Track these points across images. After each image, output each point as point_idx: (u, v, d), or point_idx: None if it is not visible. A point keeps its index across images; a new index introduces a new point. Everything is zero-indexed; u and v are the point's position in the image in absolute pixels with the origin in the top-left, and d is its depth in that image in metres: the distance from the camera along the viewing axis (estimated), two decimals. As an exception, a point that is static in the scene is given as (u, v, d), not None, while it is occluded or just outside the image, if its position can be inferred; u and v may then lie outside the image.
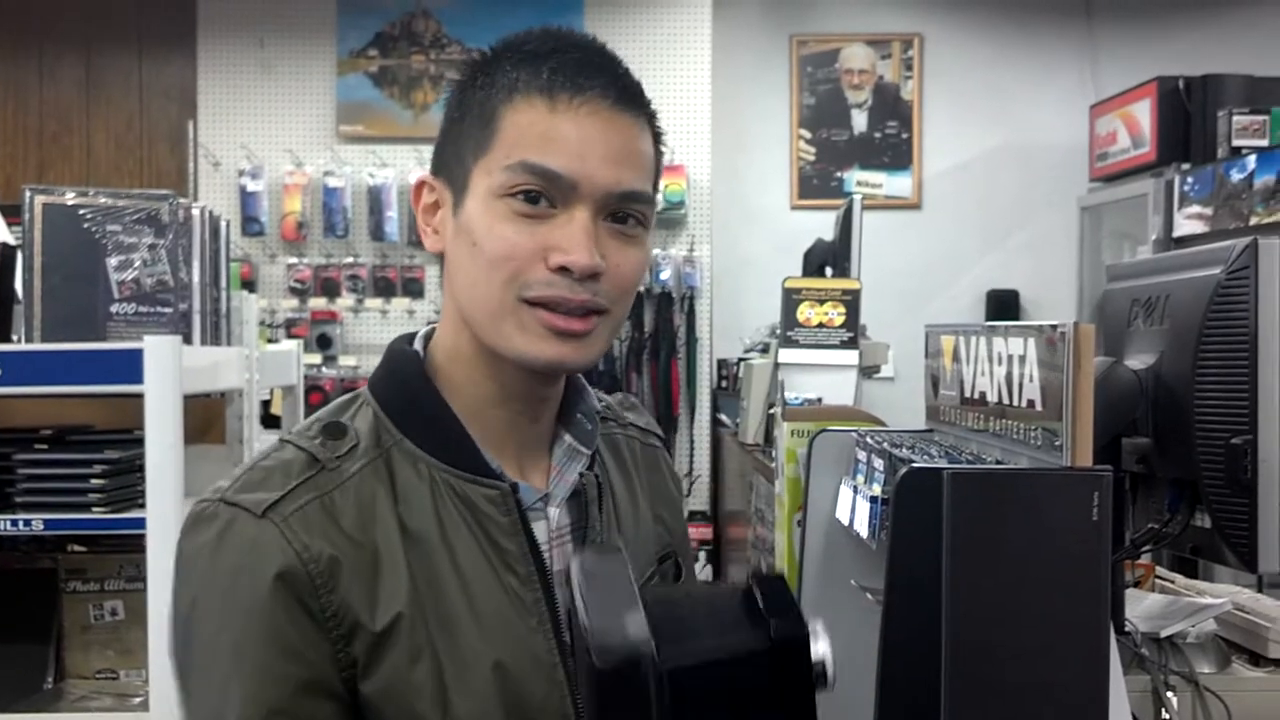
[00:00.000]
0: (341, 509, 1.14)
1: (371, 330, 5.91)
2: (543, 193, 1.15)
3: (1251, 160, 4.71)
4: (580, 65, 1.18)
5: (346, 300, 5.93)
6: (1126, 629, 1.74)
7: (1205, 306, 1.61)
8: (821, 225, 4.91)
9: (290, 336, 5.59)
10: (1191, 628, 1.76)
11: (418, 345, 1.27)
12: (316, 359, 5.79)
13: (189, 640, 1.13)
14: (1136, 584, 2.02)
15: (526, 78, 1.17)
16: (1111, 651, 1.24)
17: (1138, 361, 1.74)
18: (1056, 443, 1.25)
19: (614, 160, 1.16)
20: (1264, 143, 5.03)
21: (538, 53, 1.18)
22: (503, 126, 1.16)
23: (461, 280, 1.19)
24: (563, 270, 1.14)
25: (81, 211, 2.54)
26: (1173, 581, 2.12)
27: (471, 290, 1.18)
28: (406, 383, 1.23)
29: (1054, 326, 1.28)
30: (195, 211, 2.67)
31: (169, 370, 2.38)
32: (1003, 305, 6.38)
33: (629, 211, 1.18)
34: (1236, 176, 4.76)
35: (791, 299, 3.48)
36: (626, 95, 1.19)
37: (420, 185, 1.25)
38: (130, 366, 2.38)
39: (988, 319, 6.04)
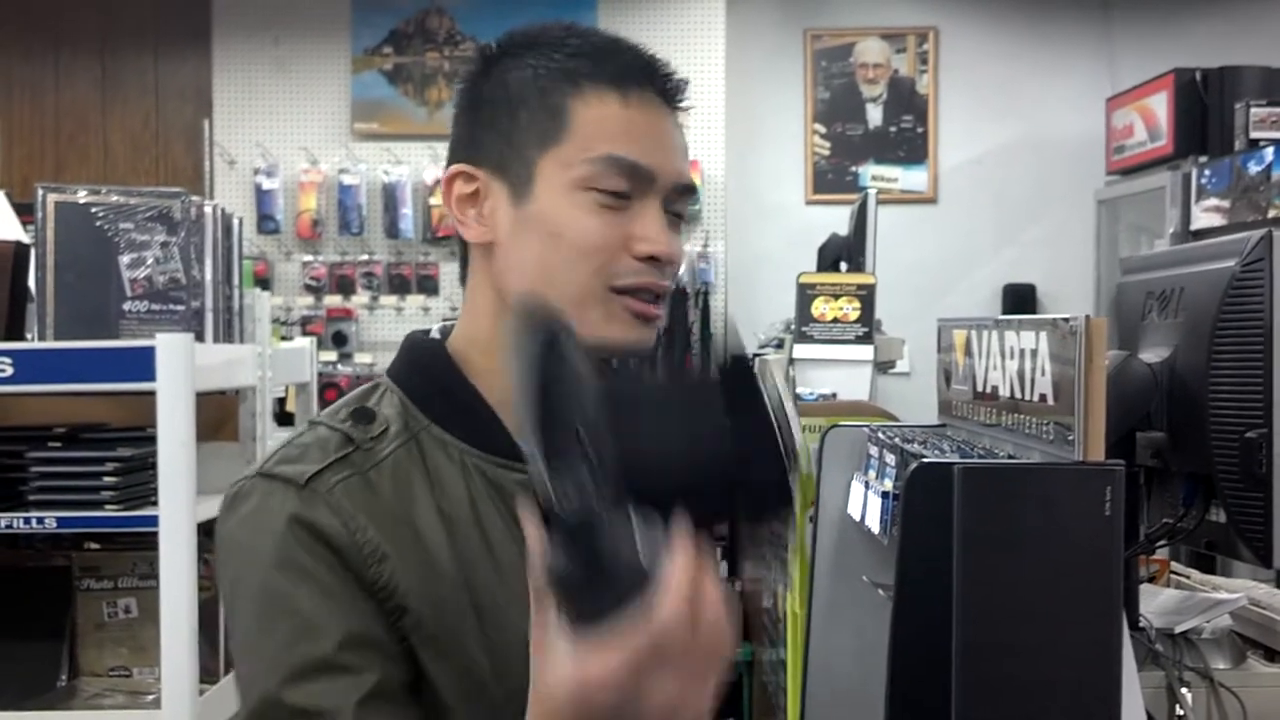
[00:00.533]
0: (379, 488, 1.15)
1: (387, 327, 5.91)
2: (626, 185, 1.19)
3: (1269, 153, 4.68)
4: (639, 60, 1.22)
5: (361, 297, 5.93)
6: (1141, 624, 1.73)
7: (1220, 299, 1.60)
8: (836, 220, 4.90)
9: (306, 334, 5.58)
10: (1206, 623, 1.75)
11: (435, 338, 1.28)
12: (332, 356, 5.80)
13: (236, 612, 1.14)
14: (1151, 579, 2.00)
15: (591, 70, 1.20)
16: (1125, 647, 1.23)
17: (1152, 355, 1.73)
18: (1069, 437, 1.24)
19: (677, 153, 1.23)
20: (1281, 135, 5.00)
21: (596, 45, 1.22)
22: (575, 119, 1.18)
23: (532, 270, 1.19)
24: (650, 259, 1.18)
25: (94, 209, 2.54)
26: (1188, 577, 2.11)
27: (547, 280, 1.18)
28: (433, 370, 1.24)
29: (1066, 320, 1.27)
30: (207, 209, 2.67)
31: (181, 368, 2.38)
32: (1020, 300, 6.35)
33: (684, 202, 1.24)
34: (1254, 169, 4.73)
35: (806, 294, 3.47)
36: (675, 92, 1.24)
37: (454, 176, 1.24)
38: (143, 364, 2.38)
39: (1004, 314, 6.01)
